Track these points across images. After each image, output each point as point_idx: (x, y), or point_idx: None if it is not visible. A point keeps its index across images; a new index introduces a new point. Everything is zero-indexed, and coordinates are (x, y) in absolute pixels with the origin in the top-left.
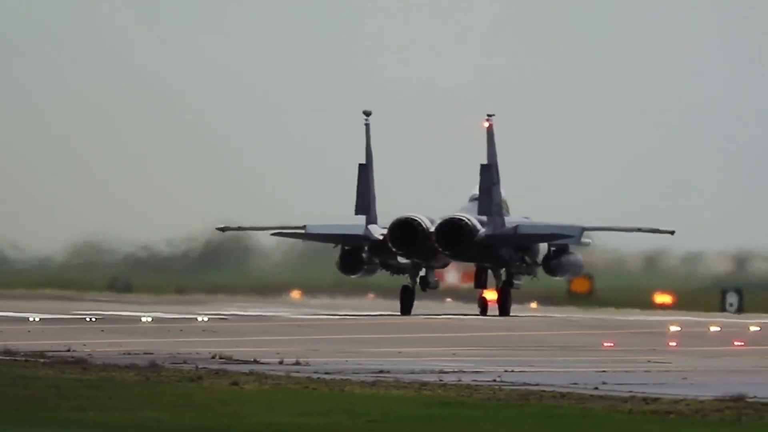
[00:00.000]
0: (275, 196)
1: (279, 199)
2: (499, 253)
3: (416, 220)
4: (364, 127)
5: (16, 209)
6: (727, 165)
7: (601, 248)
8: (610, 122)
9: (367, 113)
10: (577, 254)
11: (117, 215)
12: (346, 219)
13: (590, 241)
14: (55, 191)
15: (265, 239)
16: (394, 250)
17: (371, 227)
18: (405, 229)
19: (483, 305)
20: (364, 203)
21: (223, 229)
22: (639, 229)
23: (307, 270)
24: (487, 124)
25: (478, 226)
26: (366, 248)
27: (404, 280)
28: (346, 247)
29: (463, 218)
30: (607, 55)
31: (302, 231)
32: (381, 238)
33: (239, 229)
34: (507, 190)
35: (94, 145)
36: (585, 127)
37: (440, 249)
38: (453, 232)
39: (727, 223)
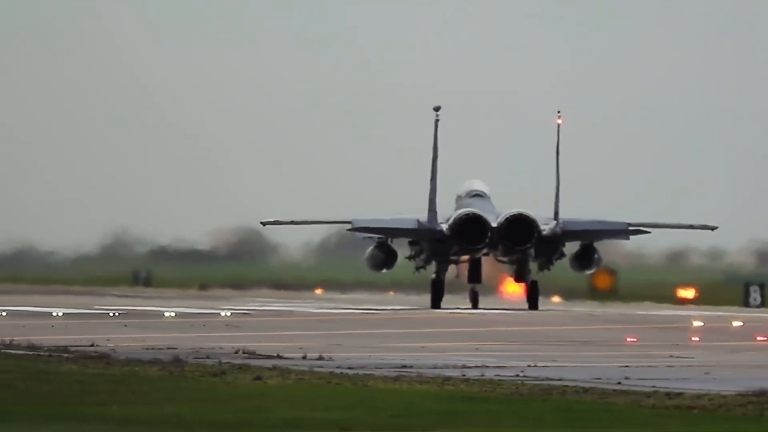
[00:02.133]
0: (292, 192)
1: (298, 195)
2: (557, 247)
3: (483, 216)
4: (434, 123)
5: (40, 206)
6: (751, 159)
7: (623, 243)
8: (633, 118)
9: (437, 109)
10: None
11: (142, 210)
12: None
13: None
14: (80, 187)
15: (286, 235)
16: (464, 244)
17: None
18: (474, 224)
19: (474, 299)
20: (433, 197)
21: (267, 223)
22: (691, 226)
23: (330, 265)
24: (560, 121)
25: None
26: (424, 241)
27: (431, 275)
28: (387, 242)
29: (529, 214)
30: (630, 50)
31: (350, 224)
32: (449, 232)
33: (292, 223)
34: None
35: (119, 139)
36: (605, 124)
37: (508, 243)
38: (520, 227)
39: (751, 217)
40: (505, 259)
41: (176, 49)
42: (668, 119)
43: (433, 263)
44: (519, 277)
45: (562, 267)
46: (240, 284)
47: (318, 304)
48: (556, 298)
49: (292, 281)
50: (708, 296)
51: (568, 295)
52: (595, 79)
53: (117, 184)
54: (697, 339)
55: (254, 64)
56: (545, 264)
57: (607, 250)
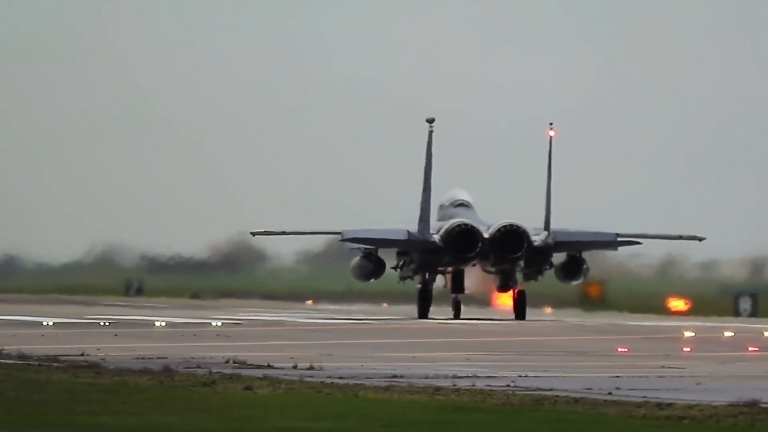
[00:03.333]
0: (287, 203)
1: (290, 206)
2: (548, 258)
3: (476, 227)
4: (428, 134)
5: (31, 215)
6: (742, 170)
7: (615, 254)
8: (623, 128)
9: (430, 120)
10: None
11: (134, 220)
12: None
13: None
14: (71, 197)
15: (278, 245)
16: (457, 254)
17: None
18: (467, 235)
19: (457, 308)
20: (425, 208)
21: (257, 234)
22: (680, 237)
23: (320, 276)
24: (552, 133)
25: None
26: (413, 252)
27: (416, 284)
28: (375, 252)
29: (521, 225)
30: (617, 57)
31: (340, 235)
32: (441, 243)
33: (283, 233)
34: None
35: (111, 149)
36: (592, 134)
37: (501, 254)
38: (513, 238)
39: (742, 228)
40: (492, 269)
41: (171, 61)
42: (659, 129)
43: (420, 273)
44: (504, 287)
45: (555, 277)
46: (231, 294)
47: (309, 314)
48: (547, 309)
49: (283, 291)
50: (699, 307)
51: (559, 305)
52: (585, 90)
53: (109, 194)
54: (688, 349)
55: (246, 75)
56: (534, 274)
57: (599, 260)
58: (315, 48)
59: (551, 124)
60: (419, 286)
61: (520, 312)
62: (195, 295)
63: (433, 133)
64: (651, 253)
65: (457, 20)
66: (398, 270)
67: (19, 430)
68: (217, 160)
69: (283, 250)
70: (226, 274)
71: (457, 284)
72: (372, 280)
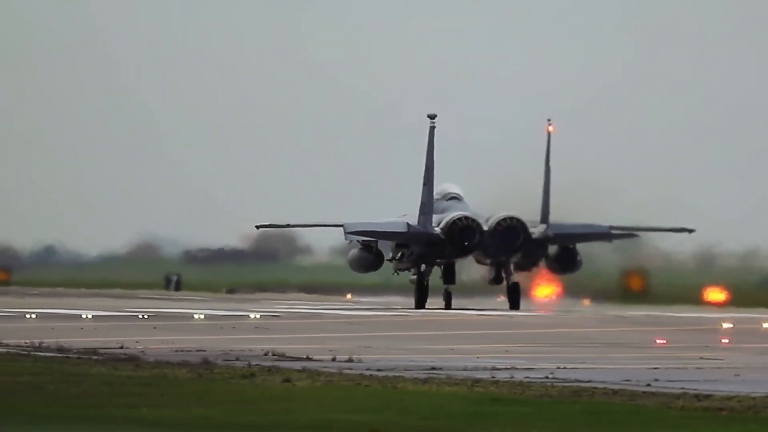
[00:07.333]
0: (307, 196)
1: (300, 199)
2: (545, 250)
3: (476, 220)
4: (429, 129)
5: (71, 209)
6: None
7: (654, 245)
8: (659, 117)
9: (432, 116)
10: None
11: (172, 214)
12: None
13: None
14: (110, 192)
15: (313, 238)
16: (459, 246)
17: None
18: (468, 227)
19: (448, 299)
20: (426, 202)
21: (261, 227)
22: (672, 229)
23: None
24: (551, 129)
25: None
26: (413, 245)
27: (410, 275)
28: (375, 244)
29: (520, 218)
30: (612, 52)
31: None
32: (443, 235)
33: (287, 226)
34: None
35: (149, 145)
36: (625, 123)
37: (500, 246)
38: (512, 231)
39: None
40: (487, 261)
41: (191, 66)
42: (683, 122)
43: (417, 265)
44: (497, 279)
45: (594, 268)
46: (269, 287)
47: (347, 306)
48: (586, 301)
49: (320, 284)
50: (741, 298)
51: (599, 297)
52: (582, 85)
53: (146, 189)
54: (726, 341)
55: (257, 78)
56: (528, 266)
57: (640, 251)
58: (319, 45)
59: (549, 120)
60: (414, 277)
61: (514, 303)
62: (231, 290)
63: (435, 129)
64: (694, 243)
65: (458, 16)
66: (394, 261)
67: (58, 423)
68: (254, 155)
69: (320, 244)
70: (264, 268)
71: (449, 275)
72: (372, 272)
